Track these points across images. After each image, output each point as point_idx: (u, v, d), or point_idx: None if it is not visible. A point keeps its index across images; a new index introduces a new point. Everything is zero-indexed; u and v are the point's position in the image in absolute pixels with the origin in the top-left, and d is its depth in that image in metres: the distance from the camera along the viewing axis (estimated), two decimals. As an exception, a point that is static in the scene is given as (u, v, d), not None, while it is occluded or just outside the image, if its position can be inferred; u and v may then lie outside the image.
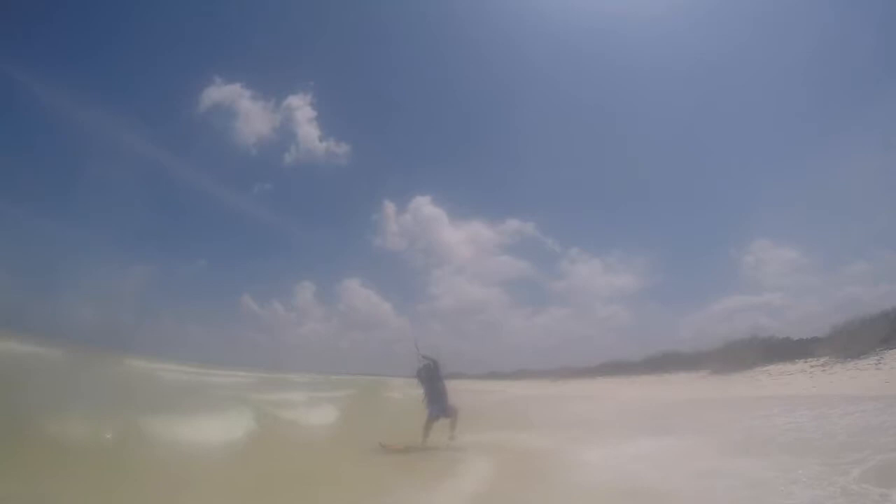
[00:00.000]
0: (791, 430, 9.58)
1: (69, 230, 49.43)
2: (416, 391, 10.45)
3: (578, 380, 38.65)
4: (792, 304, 46.10)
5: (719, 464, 6.96)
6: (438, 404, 10.06)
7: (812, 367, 21.93)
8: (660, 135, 66.57)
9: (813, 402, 13.54)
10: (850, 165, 41.23)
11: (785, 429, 9.75)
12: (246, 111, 56.69)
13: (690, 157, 66.01)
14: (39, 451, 6.27)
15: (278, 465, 7.83)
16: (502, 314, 61.90)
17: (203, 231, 67.02)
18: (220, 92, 54.51)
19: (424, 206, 58.04)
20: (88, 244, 53.33)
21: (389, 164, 73.07)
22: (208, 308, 62.43)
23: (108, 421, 7.69)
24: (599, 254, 61.83)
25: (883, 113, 41.33)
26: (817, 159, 49.30)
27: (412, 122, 72.94)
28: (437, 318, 60.85)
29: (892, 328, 20.20)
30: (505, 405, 24.48)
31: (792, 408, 12.82)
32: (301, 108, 57.13)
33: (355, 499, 6.31)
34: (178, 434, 8.21)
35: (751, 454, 7.49)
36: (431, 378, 10.24)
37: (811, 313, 43.14)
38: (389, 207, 58.06)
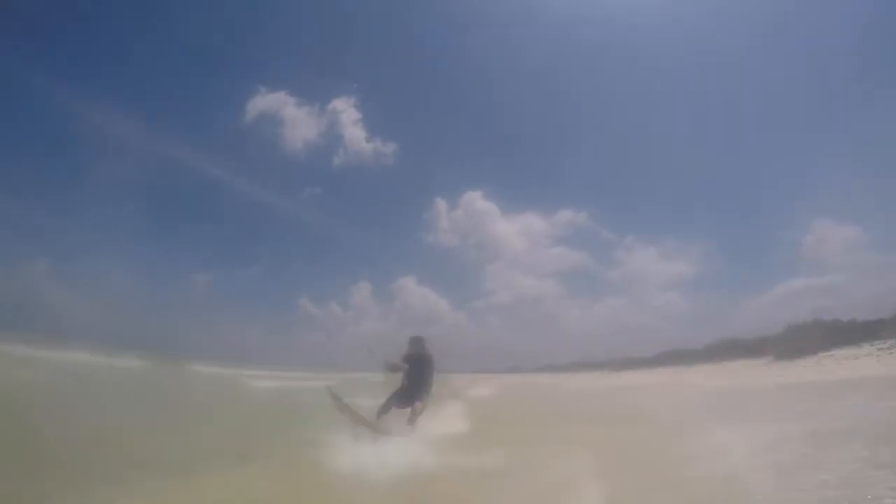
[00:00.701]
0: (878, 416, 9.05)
1: (132, 247, 54.60)
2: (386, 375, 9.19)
3: (637, 370, 38.00)
4: (855, 285, 45.00)
5: (815, 454, 6.49)
6: (412, 396, 8.70)
7: (879, 349, 21.09)
8: (712, 116, 66.59)
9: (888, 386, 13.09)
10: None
11: (872, 415, 9.16)
12: (292, 118, 59.33)
13: (745, 137, 65.75)
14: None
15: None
16: (557, 306, 63.17)
17: (258, 237, 73.12)
18: (266, 101, 57.49)
19: (476, 200, 59.23)
20: (150, 257, 60.76)
21: (438, 160, 74.65)
22: (266, 312, 64.73)
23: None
24: (654, 241, 61.49)
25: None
26: (877, 131, 47.47)
27: (459, 118, 73.88)
28: (493, 313, 64.03)
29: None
30: (580, 398, 24.17)
31: (873, 392, 12.33)
32: (346, 110, 58.84)
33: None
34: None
35: (849, 442, 6.88)
36: (419, 363, 8.85)
37: (875, 293, 42.10)
38: (440, 204, 59.60)
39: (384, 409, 8.65)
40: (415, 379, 8.75)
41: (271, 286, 69.12)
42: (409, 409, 8.58)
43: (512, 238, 61.59)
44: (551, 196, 70.63)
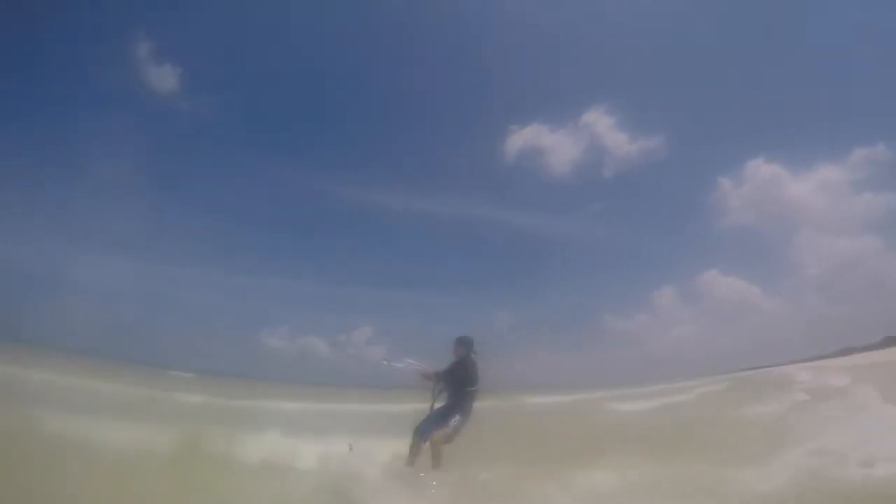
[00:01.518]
0: None
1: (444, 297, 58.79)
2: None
3: None
4: None
5: None
6: (448, 418, 6.78)
7: None
8: None
9: None
10: None
11: None
12: (551, 145, 60.27)
13: None
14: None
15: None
16: (884, 262, 52.81)
17: (548, 266, 68.46)
18: (521, 137, 58.87)
19: (759, 168, 53.98)
20: (461, 302, 59.23)
21: (707, 138, 69.15)
22: (572, 335, 63.22)
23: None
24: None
25: None
26: None
27: (714, 90, 69.55)
28: (810, 288, 58.46)
29: None
30: None
31: None
32: (599, 119, 57.38)
33: None
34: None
35: None
36: (459, 371, 6.99)
37: None
38: (724, 183, 54.93)
39: (421, 434, 6.75)
40: (452, 393, 6.95)
41: (572, 309, 68.51)
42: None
43: (810, 198, 54.47)
44: (838, 136, 59.13)
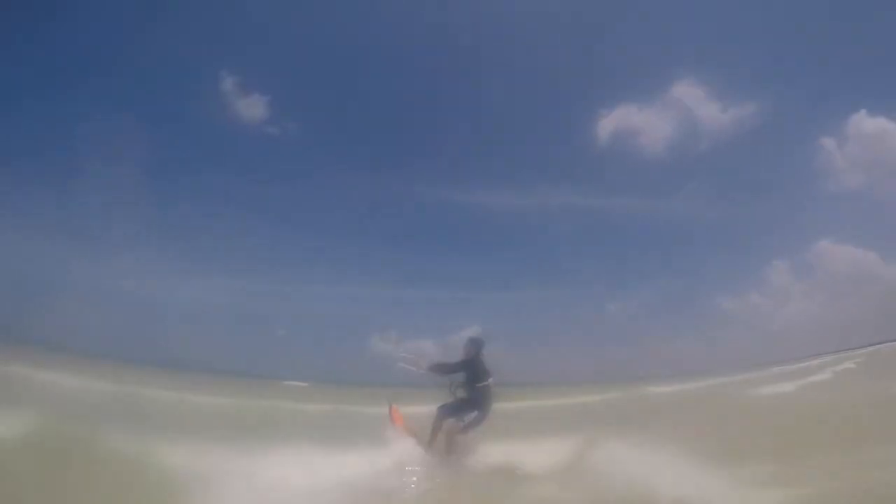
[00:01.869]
0: None
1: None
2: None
3: None
4: None
5: None
6: (464, 412, 7.27)
7: None
8: None
9: None
10: None
11: None
12: (641, 124, 61.05)
13: None
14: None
15: None
16: None
17: (653, 252, 67.83)
18: (612, 119, 59.29)
19: (863, 122, 49.63)
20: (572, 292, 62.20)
21: (803, 97, 65.33)
22: (686, 320, 62.55)
23: None
24: None
25: None
26: None
27: (808, 45, 67.04)
28: None
29: None
30: None
31: None
32: (688, 92, 56.87)
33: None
34: None
35: None
36: (477, 368, 7.32)
37: None
38: (827, 143, 51.54)
39: (440, 416, 7.29)
40: (471, 390, 7.31)
41: (682, 293, 68.48)
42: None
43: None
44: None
